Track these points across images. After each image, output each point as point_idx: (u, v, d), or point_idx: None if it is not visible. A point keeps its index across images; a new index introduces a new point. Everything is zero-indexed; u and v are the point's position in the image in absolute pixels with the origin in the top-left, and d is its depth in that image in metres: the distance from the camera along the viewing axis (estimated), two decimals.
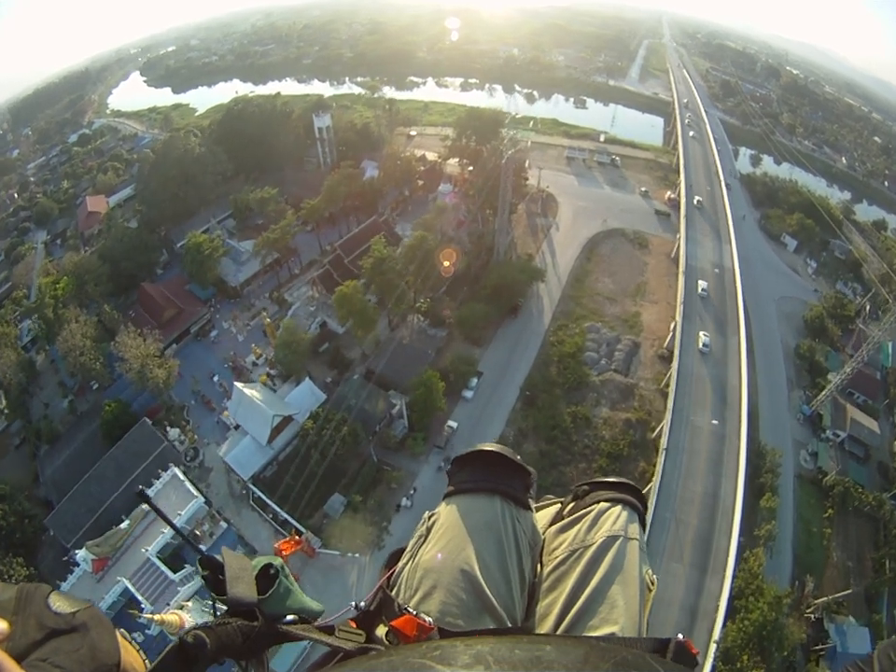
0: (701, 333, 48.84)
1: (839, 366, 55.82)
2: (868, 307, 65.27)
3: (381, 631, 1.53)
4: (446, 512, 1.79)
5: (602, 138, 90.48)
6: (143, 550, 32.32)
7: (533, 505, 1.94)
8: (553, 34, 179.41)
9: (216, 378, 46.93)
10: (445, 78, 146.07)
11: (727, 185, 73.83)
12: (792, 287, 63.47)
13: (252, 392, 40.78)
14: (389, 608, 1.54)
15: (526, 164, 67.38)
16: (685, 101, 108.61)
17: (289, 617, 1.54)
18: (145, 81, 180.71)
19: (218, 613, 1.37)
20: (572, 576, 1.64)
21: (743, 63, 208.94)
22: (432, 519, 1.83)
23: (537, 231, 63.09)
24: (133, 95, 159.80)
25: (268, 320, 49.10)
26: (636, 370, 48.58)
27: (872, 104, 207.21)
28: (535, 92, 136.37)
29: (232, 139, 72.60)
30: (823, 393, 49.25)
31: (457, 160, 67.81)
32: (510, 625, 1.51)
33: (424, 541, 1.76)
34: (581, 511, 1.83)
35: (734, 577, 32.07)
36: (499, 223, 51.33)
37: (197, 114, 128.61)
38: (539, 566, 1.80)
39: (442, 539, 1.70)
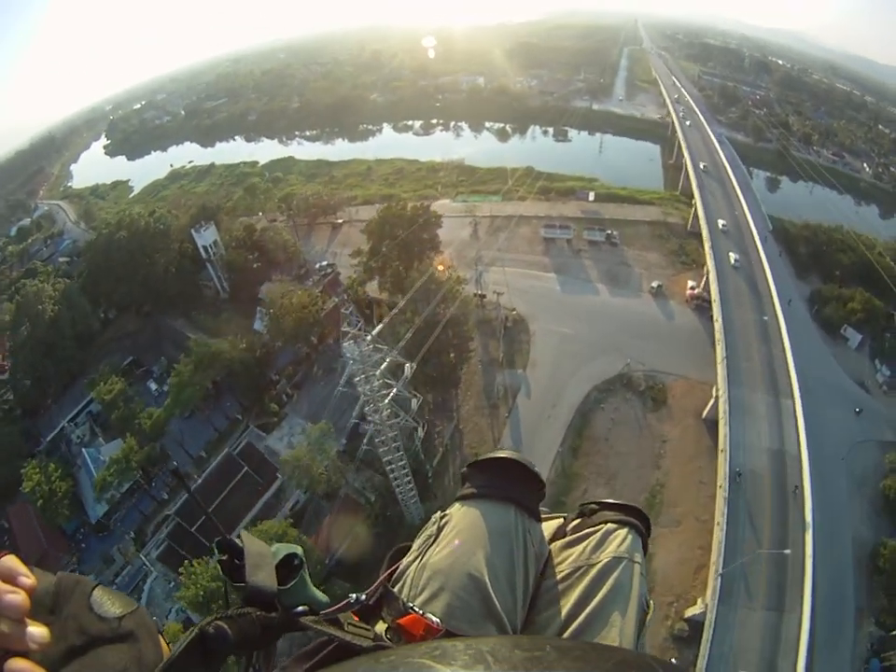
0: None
1: None
2: None
3: (380, 627, 1.42)
4: (459, 515, 1.74)
5: (591, 196, 69.43)
6: None
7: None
8: (526, 54, 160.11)
9: None
10: (403, 122, 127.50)
11: (789, 302, 49.49)
12: (865, 422, 41.00)
13: None
14: (392, 604, 1.49)
15: (480, 275, 46.76)
16: (687, 122, 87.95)
17: (300, 608, 1.39)
18: (104, 147, 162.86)
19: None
20: (574, 592, 1.61)
21: (731, 61, 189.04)
22: (444, 520, 1.75)
23: (496, 403, 40.05)
24: (95, 165, 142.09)
25: None
26: None
27: (860, 85, 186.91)
28: (508, 127, 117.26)
29: (107, 277, 56.41)
30: None
31: (377, 279, 47.64)
32: (510, 634, 1.49)
33: (434, 542, 1.68)
34: (588, 529, 1.78)
35: None
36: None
37: (132, 195, 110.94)
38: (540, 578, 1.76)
39: (454, 542, 1.64)
